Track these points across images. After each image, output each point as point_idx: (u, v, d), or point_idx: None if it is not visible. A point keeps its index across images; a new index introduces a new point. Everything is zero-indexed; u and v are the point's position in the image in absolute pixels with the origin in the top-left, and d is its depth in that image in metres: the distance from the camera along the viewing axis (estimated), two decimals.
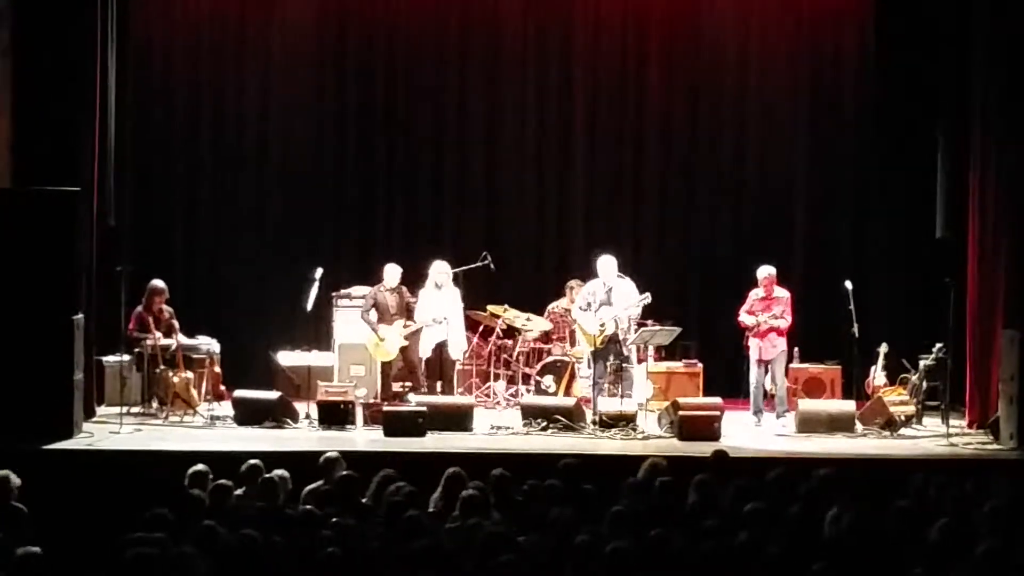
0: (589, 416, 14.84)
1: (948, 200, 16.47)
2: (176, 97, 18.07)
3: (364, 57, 18.29)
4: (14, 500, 9.79)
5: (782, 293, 15.29)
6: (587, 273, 15.74)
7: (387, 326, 15.54)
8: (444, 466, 10.50)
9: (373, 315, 15.57)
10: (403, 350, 15.63)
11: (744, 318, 15.25)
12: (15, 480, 9.88)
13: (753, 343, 15.20)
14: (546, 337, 16.97)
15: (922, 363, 15.57)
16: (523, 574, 7.64)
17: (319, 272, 15.56)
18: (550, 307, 17.02)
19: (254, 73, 18.17)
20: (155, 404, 15.14)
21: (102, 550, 8.22)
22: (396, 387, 15.85)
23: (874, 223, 17.87)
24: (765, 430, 14.99)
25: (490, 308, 16.61)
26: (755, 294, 15.29)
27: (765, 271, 15.29)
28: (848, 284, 15.40)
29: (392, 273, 15.73)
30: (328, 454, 10.96)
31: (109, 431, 14.13)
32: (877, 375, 15.76)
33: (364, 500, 10.03)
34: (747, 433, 14.81)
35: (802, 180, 18.23)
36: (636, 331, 15.40)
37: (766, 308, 15.15)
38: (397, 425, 14.14)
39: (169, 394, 15.01)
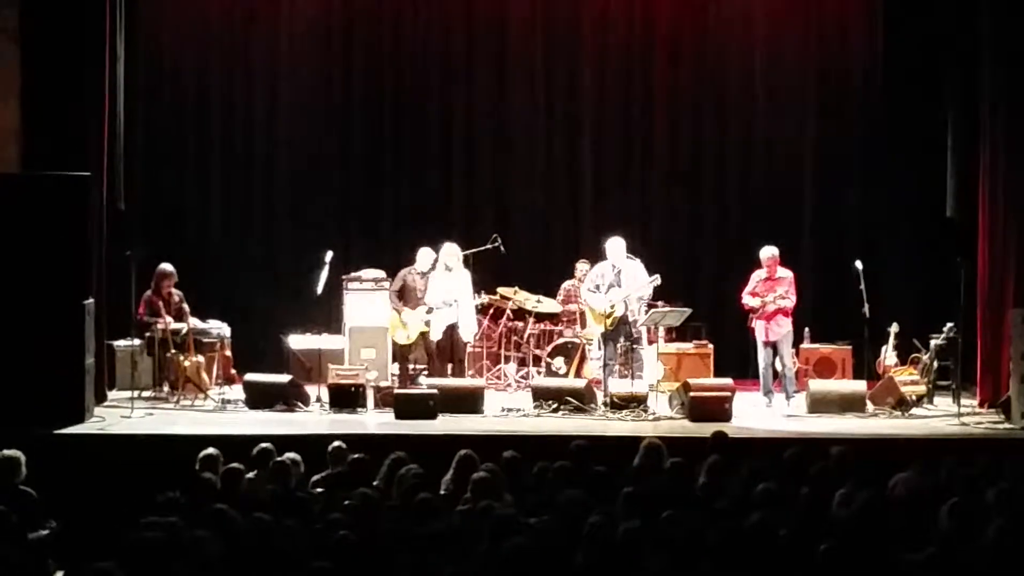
0: (600, 398, 14.84)
1: (958, 179, 16.45)
2: (185, 80, 18.06)
3: (372, 41, 18.26)
4: (21, 483, 9.82)
5: (785, 273, 15.24)
6: (597, 255, 15.72)
7: (411, 310, 15.57)
8: (455, 448, 10.52)
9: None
10: (423, 335, 15.66)
11: (748, 300, 15.22)
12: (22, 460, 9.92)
13: (759, 324, 15.16)
14: (556, 319, 16.99)
15: (933, 343, 15.56)
16: (535, 556, 7.63)
17: (329, 255, 15.56)
18: (564, 285, 17.01)
19: (263, 56, 18.15)
20: (166, 388, 15.18)
21: (114, 534, 8.23)
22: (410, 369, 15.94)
23: (884, 203, 17.84)
24: (776, 411, 14.97)
25: (500, 290, 16.62)
26: (758, 275, 15.25)
27: (768, 252, 15.25)
28: (859, 264, 15.37)
29: (425, 257, 15.74)
30: (334, 444, 10.97)
31: (120, 415, 14.13)
32: (888, 355, 15.75)
33: (375, 483, 10.05)
34: (758, 414, 14.80)
35: (812, 160, 18.20)
36: (646, 312, 15.39)
37: (769, 289, 15.10)
38: (408, 408, 14.15)
39: (180, 378, 15.04)
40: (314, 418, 14.38)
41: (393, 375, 15.92)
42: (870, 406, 14.89)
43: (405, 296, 15.70)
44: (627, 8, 18.27)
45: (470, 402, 14.57)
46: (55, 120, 14.41)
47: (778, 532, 8.09)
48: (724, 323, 17.02)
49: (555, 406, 14.54)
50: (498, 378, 16.62)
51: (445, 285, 15.46)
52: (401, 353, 15.89)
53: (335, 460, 10.75)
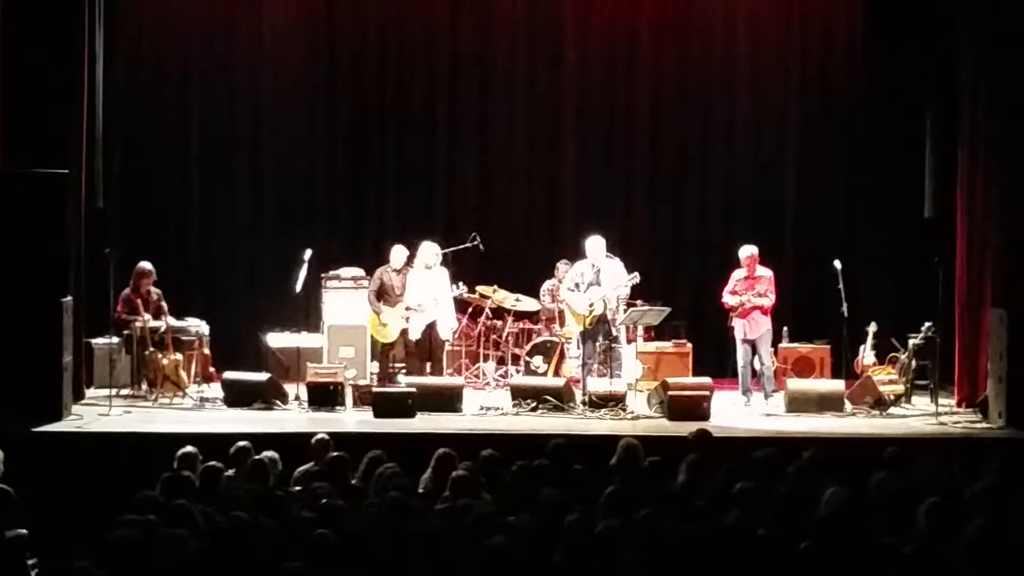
0: (578, 396, 14.83)
1: (937, 180, 16.51)
2: (165, 79, 18.00)
3: (355, 40, 18.24)
4: None
5: (765, 272, 15.28)
6: (576, 254, 15.73)
7: (390, 308, 15.54)
8: (434, 447, 10.52)
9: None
10: (403, 333, 15.63)
11: (727, 299, 15.25)
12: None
13: (738, 323, 15.20)
14: (535, 317, 16.99)
15: (911, 342, 15.59)
16: (514, 555, 7.63)
17: (308, 254, 15.53)
18: (545, 286, 16.98)
19: (244, 55, 18.11)
20: (144, 386, 15.12)
21: (91, 532, 8.21)
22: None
23: (863, 203, 17.89)
24: (754, 410, 15.00)
25: (479, 289, 16.62)
26: (738, 274, 15.29)
27: (747, 251, 15.28)
28: (837, 264, 15.41)
29: (399, 255, 15.71)
30: (318, 436, 11.00)
31: (98, 413, 14.08)
32: (866, 354, 15.78)
33: (353, 481, 10.04)
34: (736, 413, 14.83)
35: (791, 160, 18.24)
36: (625, 311, 15.40)
37: (749, 288, 15.13)
38: (387, 406, 14.13)
39: (158, 376, 15.00)
40: (293, 416, 14.35)
41: (372, 373, 15.91)
42: (848, 405, 14.90)
43: (383, 295, 15.66)
44: (609, 11, 18.27)
45: (449, 401, 14.55)
46: (35, 118, 14.35)
47: (756, 531, 8.10)
48: (703, 322, 17.06)
49: (534, 405, 14.53)
50: (477, 377, 16.62)
51: (424, 284, 15.44)
52: (383, 352, 15.87)
53: (318, 452, 10.75)
